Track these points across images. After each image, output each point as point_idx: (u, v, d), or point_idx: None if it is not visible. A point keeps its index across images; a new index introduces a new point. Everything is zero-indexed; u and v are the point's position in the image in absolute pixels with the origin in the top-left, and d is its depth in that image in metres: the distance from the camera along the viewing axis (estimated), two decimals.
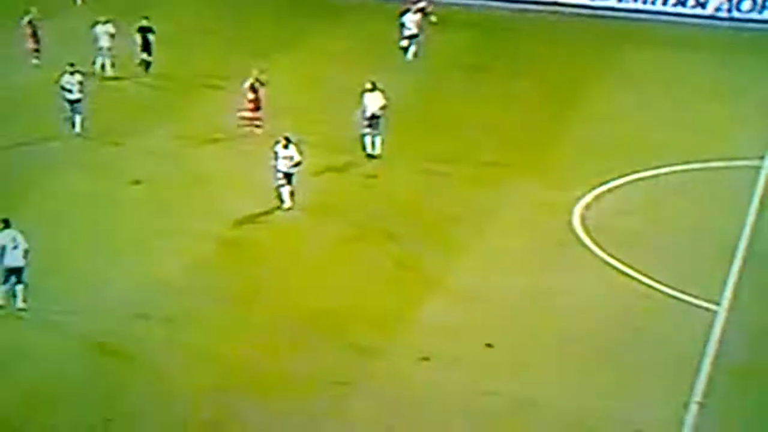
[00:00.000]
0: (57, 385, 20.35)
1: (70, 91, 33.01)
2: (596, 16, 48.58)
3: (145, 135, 33.23)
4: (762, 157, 32.09)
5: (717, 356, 21.55)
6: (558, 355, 21.79)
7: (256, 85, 32.89)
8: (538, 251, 26.36)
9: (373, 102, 30.97)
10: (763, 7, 48.26)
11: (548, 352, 21.84)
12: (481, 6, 49.69)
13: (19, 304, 22.99)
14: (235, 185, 30.20)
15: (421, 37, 40.08)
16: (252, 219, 28.18)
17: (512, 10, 49.28)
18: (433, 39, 41.22)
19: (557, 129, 34.13)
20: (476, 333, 22.40)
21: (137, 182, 29.85)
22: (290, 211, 27.96)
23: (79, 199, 28.82)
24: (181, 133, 33.73)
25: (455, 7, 46.52)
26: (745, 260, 25.75)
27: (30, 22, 38.63)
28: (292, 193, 28.18)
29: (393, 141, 31.80)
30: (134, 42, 38.19)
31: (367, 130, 31.11)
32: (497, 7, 49.59)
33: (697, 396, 20.09)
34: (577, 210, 28.18)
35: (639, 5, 49.21)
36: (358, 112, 31.26)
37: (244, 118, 33.01)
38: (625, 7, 49.30)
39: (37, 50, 38.65)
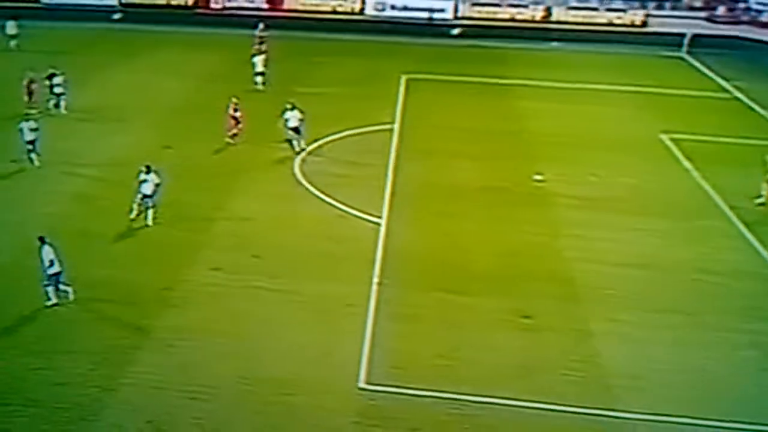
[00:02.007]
0: None
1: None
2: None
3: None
4: (394, 122, 32.35)
5: (384, 252, 21.96)
6: (295, 257, 21.65)
7: (236, 108, 28.96)
8: (278, 190, 25.88)
9: (294, 117, 28.18)
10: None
11: (294, 258, 21.66)
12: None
13: (70, 295, 19.27)
14: (95, 158, 27.79)
15: (267, 73, 36.08)
16: (103, 182, 26.02)
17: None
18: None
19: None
20: (245, 248, 22.04)
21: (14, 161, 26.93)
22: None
23: None
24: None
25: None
26: (394, 189, 25.97)
27: (30, 81, 31.96)
28: (155, 216, 23.17)
29: (201, 125, 30.28)
30: (43, 86, 32.17)
31: (293, 136, 28.26)
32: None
33: (377, 277, 20.60)
34: (298, 161, 27.77)
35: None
36: (281, 125, 28.57)
37: (230, 133, 28.95)
38: None
39: (32, 103, 31.84)
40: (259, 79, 35.92)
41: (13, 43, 41.76)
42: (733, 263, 21.76)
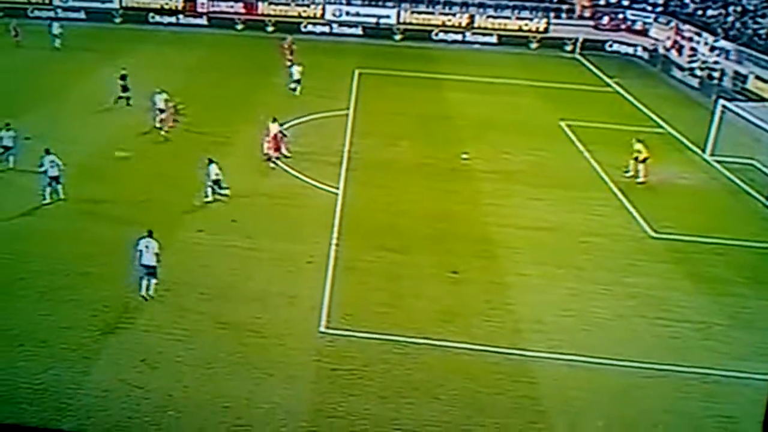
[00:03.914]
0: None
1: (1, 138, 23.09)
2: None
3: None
4: (348, 108, 31.19)
5: (341, 217, 21.02)
6: (268, 222, 20.63)
7: (279, 134, 24.54)
8: (252, 165, 24.29)
9: (274, 127, 24.74)
10: None
11: (264, 222, 20.60)
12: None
13: (151, 292, 16.54)
14: (98, 137, 25.87)
15: (302, 81, 32.52)
16: (106, 158, 24.20)
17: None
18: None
19: (256, 98, 31.36)
20: (225, 213, 20.86)
21: (28, 138, 24.29)
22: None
23: None
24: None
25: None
26: (348, 164, 24.93)
27: (122, 77, 29.08)
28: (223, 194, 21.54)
29: (190, 111, 27.59)
30: (117, 85, 29.10)
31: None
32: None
33: (334, 239, 19.69)
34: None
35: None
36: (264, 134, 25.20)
37: (268, 155, 24.30)
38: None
39: (126, 98, 29.07)
40: (295, 86, 32.53)
41: (57, 42, 38.73)
42: (615, 227, 21.43)
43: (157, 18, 46.62)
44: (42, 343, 14.79)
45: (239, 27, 46.36)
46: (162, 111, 27.05)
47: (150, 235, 16.65)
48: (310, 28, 46.84)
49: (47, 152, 20.87)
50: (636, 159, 24.91)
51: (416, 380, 14.39)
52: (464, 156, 26.04)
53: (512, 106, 33.44)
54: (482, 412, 13.70)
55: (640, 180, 24.69)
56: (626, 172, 25.19)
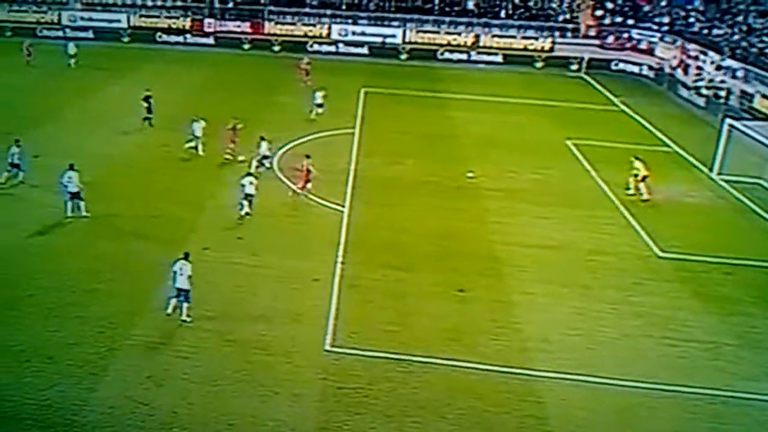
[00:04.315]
0: None
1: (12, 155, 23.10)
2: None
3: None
4: (354, 127, 31.48)
5: (346, 235, 21.12)
6: (273, 239, 20.68)
7: (309, 167, 23.20)
8: (261, 186, 23.16)
9: (265, 147, 25.03)
10: None
11: (271, 240, 20.67)
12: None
13: (183, 316, 16.48)
14: (112, 151, 26.06)
15: (325, 105, 32.53)
16: (114, 174, 24.30)
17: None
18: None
19: (262, 116, 31.73)
20: (232, 232, 20.95)
21: (36, 156, 24.68)
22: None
23: None
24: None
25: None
26: (354, 182, 25.08)
27: (146, 99, 29.45)
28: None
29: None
30: (141, 106, 29.41)
31: (265, 162, 25.12)
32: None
33: (340, 257, 19.76)
34: (276, 159, 26.38)
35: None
36: (256, 153, 25.26)
37: (300, 187, 23.36)
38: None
39: (149, 118, 29.33)
40: (319, 110, 32.37)
41: (72, 61, 39.39)
42: (621, 246, 21.43)
43: (165, 37, 47.43)
44: (48, 360, 14.88)
45: (246, 46, 47.03)
46: (197, 137, 27.03)
47: (186, 257, 16.59)
48: (316, 47, 47.47)
49: (71, 167, 21.11)
50: (635, 176, 25.06)
51: (422, 399, 14.38)
52: (469, 174, 26.11)
53: (518, 124, 33.63)
54: (489, 431, 13.68)
55: (645, 198, 24.77)
56: (627, 189, 25.31)
